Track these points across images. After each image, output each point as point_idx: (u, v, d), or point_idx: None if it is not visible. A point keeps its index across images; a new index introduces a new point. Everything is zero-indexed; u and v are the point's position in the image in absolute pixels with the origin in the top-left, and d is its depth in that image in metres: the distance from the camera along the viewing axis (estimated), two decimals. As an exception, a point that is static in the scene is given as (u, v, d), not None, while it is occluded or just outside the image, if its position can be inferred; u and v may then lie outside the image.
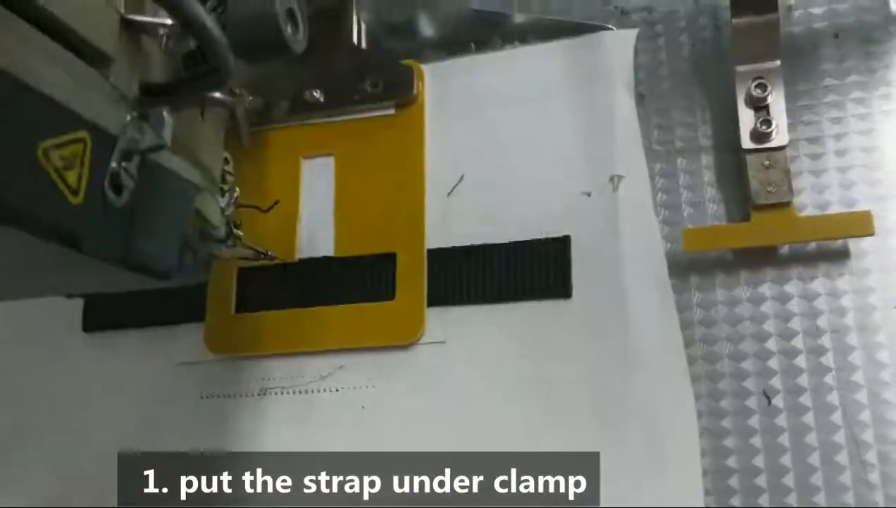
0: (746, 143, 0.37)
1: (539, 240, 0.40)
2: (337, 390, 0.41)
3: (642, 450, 0.36)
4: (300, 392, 0.42)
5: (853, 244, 0.36)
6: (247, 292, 0.44)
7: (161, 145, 0.25)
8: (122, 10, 0.26)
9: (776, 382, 0.36)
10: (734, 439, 0.36)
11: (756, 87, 0.36)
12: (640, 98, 0.41)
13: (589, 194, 0.40)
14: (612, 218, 0.39)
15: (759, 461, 0.35)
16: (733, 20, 0.37)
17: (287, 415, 0.41)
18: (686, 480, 0.35)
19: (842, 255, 0.37)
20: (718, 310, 0.37)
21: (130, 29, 0.26)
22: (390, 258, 0.42)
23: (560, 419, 0.37)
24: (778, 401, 0.36)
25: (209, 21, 0.23)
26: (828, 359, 0.36)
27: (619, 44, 0.42)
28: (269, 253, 0.42)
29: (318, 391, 0.41)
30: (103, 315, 0.47)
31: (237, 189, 0.36)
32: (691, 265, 0.38)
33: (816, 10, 0.40)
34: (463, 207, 0.42)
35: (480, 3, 0.46)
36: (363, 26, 0.48)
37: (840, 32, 0.39)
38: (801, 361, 0.36)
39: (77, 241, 0.23)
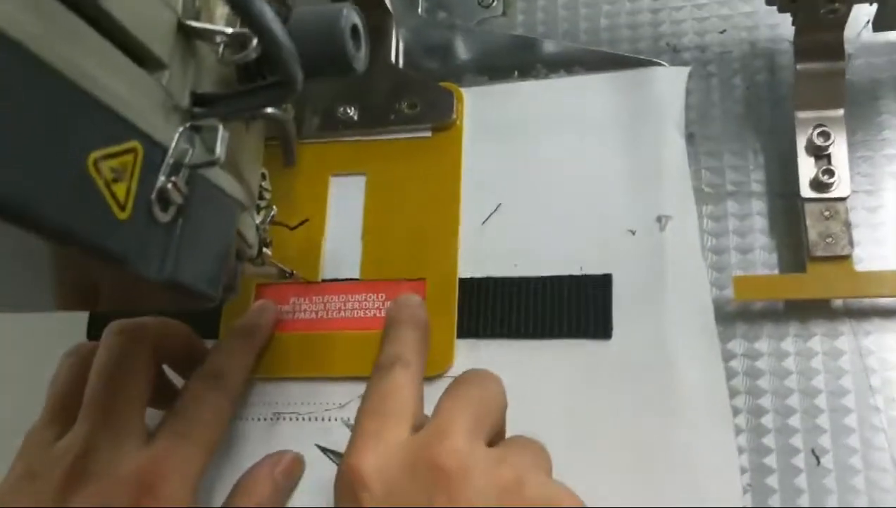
0: (806, 191, 0.35)
1: (579, 276, 0.39)
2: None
3: (680, 501, 0.34)
4: (316, 420, 0.40)
5: (909, 302, 0.35)
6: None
7: (213, 162, 0.23)
8: (180, 14, 0.24)
9: (825, 440, 0.34)
10: (780, 497, 0.34)
11: (818, 134, 0.35)
12: (691, 138, 0.40)
13: (634, 233, 0.39)
14: (657, 259, 0.38)
15: (805, 524, 0.33)
16: (798, 66, 0.36)
17: (301, 442, 0.39)
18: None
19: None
20: (765, 361, 0.36)
21: (187, 35, 0.24)
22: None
23: (596, 465, 0.36)
24: (827, 461, 0.34)
25: (281, 31, 0.22)
26: (880, 420, 0.34)
27: (670, 80, 0.40)
28: (295, 273, 0.40)
29: (335, 420, 0.39)
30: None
31: (274, 207, 0.34)
32: (738, 314, 0.37)
33: (877, 60, 0.39)
34: (499, 237, 0.41)
35: (524, 29, 0.45)
36: (402, 45, 0.46)
37: (901, 83, 0.38)
38: (851, 420, 0.34)
39: (122, 259, 0.21)
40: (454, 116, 0.43)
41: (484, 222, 0.41)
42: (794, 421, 0.35)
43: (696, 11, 0.42)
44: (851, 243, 0.34)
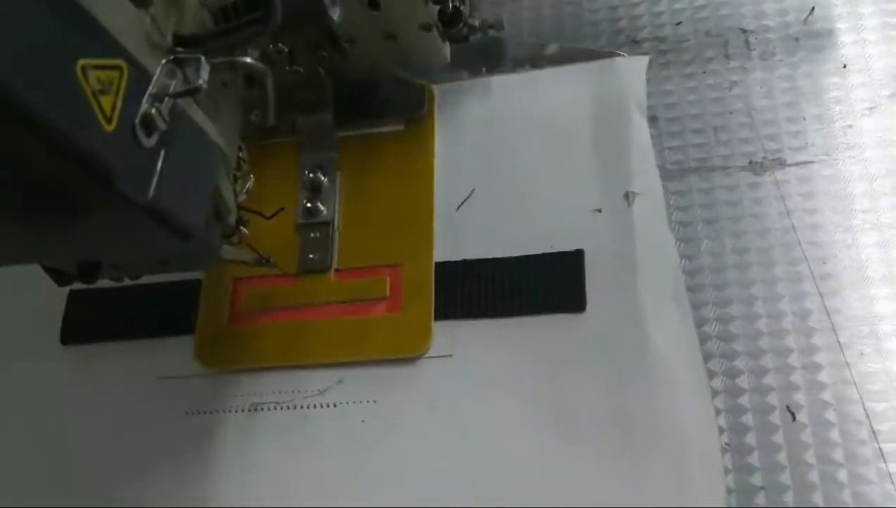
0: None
1: (551, 254, 0.39)
2: (335, 405, 0.39)
3: (664, 468, 0.34)
4: (294, 408, 0.39)
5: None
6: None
7: (196, 89, 0.24)
8: (164, -43, 0.25)
9: (800, 397, 0.35)
10: (758, 454, 0.34)
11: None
12: (654, 120, 0.42)
13: (600, 211, 0.40)
14: (626, 234, 0.39)
15: (785, 477, 0.34)
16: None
17: (279, 432, 0.39)
18: (710, 497, 0.33)
19: (859, 272, 0.37)
20: (737, 325, 0.37)
21: (170, -23, 0.25)
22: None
23: (575, 436, 0.36)
24: (803, 417, 0.34)
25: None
26: (850, 374, 0.35)
27: (631, 68, 0.43)
28: (271, 260, 0.40)
29: (314, 407, 0.39)
30: (82, 327, 0.44)
31: (251, 177, 0.35)
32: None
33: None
34: (473, 221, 0.41)
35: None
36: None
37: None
38: (824, 377, 0.35)
39: (108, 170, 0.21)
40: (425, 109, 0.44)
41: (458, 208, 0.42)
42: (769, 380, 0.36)
43: (652, 6, 0.44)
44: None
